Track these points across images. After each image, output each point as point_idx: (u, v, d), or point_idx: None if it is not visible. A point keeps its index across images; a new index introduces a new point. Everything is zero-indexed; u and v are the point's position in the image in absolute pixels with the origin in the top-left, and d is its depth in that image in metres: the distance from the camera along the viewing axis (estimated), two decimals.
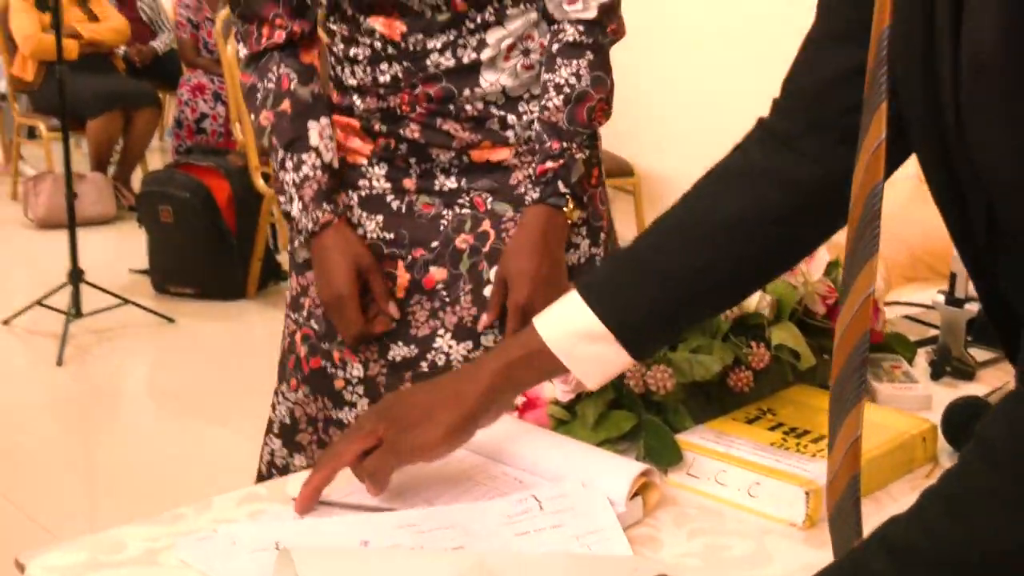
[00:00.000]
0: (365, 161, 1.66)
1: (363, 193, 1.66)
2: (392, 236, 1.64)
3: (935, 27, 0.79)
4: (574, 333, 1.11)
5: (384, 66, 1.59)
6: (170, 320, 4.59)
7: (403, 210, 1.65)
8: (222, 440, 3.62)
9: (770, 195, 1.09)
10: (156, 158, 7.31)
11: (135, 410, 4.09)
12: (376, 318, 1.60)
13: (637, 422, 1.24)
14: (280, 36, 1.61)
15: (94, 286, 4.45)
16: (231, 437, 3.61)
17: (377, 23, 1.57)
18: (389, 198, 1.65)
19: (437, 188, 1.63)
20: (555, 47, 1.57)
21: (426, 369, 1.61)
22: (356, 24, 1.59)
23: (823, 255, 1.42)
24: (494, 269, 1.59)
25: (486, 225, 1.62)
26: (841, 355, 0.85)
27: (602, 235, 1.69)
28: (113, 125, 6.29)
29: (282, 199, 1.63)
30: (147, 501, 2.89)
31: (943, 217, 0.88)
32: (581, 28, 1.57)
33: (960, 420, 1.24)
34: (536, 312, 1.36)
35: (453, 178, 1.62)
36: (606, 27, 1.58)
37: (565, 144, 1.55)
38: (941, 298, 1.52)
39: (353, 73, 1.63)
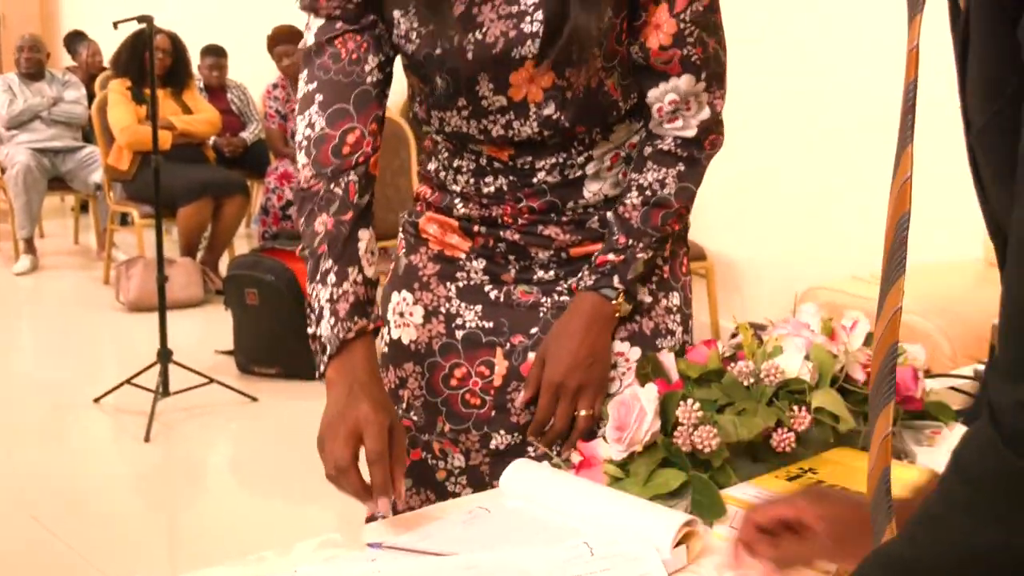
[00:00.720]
0: (463, 255, 1.67)
1: (461, 284, 1.67)
2: (491, 325, 1.65)
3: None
4: None
5: (489, 179, 1.60)
6: (253, 399, 4.73)
7: (501, 299, 1.66)
8: (302, 516, 3.74)
9: None
10: (243, 243, 7.54)
11: (219, 485, 4.23)
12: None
13: (685, 480, 1.33)
14: (369, 145, 1.53)
15: (182, 366, 4.62)
16: (311, 513, 3.72)
17: (485, 147, 1.59)
18: (487, 288, 1.66)
19: (535, 279, 1.64)
20: (648, 150, 1.57)
21: (533, 456, 1.57)
22: (463, 142, 1.61)
23: (863, 326, 1.51)
24: None
25: None
26: (876, 362, 0.94)
27: (690, 322, 1.70)
28: (203, 212, 6.53)
29: (311, 318, 1.50)
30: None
31: (993, 244, 0.97)
32: (679, 141, 1.57)
33: None
34: (570, 393, 1.40)
35: (552, 271, 1.64)
36: (703, 142, 1.58)
37: (631, 241, 1.55)
38: (981, 368, 1.60)
39: (456, 180, 1.64)
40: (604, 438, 1.40)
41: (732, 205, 5.12)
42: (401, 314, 1.71)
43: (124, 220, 7.24)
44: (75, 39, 9.49)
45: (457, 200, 1.64)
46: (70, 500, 3.80)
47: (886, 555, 0.84)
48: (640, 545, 1.20)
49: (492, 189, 1.60)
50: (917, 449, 1.46)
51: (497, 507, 1.33)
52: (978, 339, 3.34)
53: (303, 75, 1.55)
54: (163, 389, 4.50)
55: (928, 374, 1.69)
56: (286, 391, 4.91)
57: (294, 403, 4.79)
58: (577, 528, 1.27)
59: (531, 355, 1.60)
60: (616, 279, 1.54)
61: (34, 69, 7.68)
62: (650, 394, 1.36)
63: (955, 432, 1.54)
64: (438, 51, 1.51)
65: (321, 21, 1.53)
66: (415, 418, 1.69)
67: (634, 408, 1.36)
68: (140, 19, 4.49)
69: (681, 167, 1.56)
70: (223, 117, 7.18)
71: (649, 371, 1.45)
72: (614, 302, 1.54)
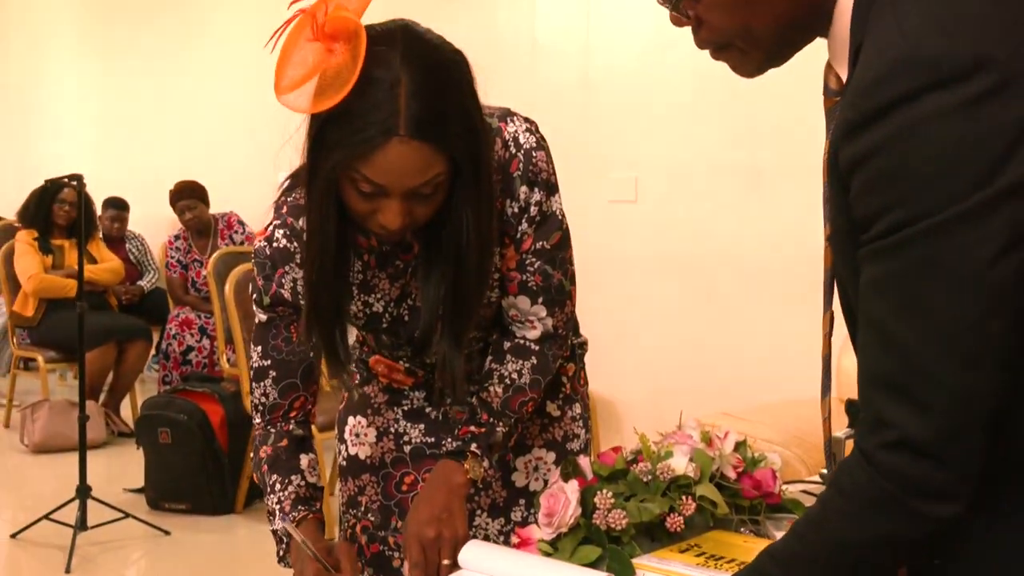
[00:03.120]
0: (407, 388, 2.01)
1: (406, 408, 2.02)
2: (433, 439, 2.00)
3: None
4: None
5: (431, 355, 1.88)
6: (166, 532, 4.97)
7: (440, 418, 2.00)
8: None
9: None
10: (137, 387, 7.74)
11: None
12: None
13: (601, 554, 1.72)
14: (311, 403, 1.90)
15: (99, 501, 4.83)
16: None
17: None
18: (428, 410, 2.01)
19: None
20: (507, 345, 1.89)
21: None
22: None
23: (732, 436, 1.94)
24: (519, 458, 2.02)
25: None
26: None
27: (590, 422, 2.12)
28: (107, 357, 6.74)
29: (271, 519, 1.83)
30: None
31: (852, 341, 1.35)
32: (529, 339, 1.90)
33: None
34: (430, 542, 1.73)
35: None
36: (548, 346, 1.90)
37: (492, 420, 1.85)
38: (825, 471, 2.02)
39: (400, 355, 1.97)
40: (537, 523, 1.79)
41: (611, 351, 5.56)
42: (357, 435, 2.07)
43: (27, 365, 7.41)
44: None
45: (403, 361, 2.00)
46: None
47: (776, 553, 1.24)
48: None
49: (435, 360, 1.87)
50: (778, 534, 1.87)
51: None
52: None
53: (257, 348, 1.88)
54: (81, 523, 4.70)
55: (786, 480, 2.11)
56: (196, 525, 5.15)
57: (204, 535, 5.04)
58: None
59: None
60: (474, 445, 1.83)
61: None
62: (573, 487, 1.76)
63: None
64: (384, 324, 1.89)
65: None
66: (372, 519, 2.05)
67: (560, 499, 1.75)
68: (71, 177, 4.82)
69: (534, 360, 1.89)
70: None
71: (570, 471, 1.85)
72: (465, 466, 1.82)
